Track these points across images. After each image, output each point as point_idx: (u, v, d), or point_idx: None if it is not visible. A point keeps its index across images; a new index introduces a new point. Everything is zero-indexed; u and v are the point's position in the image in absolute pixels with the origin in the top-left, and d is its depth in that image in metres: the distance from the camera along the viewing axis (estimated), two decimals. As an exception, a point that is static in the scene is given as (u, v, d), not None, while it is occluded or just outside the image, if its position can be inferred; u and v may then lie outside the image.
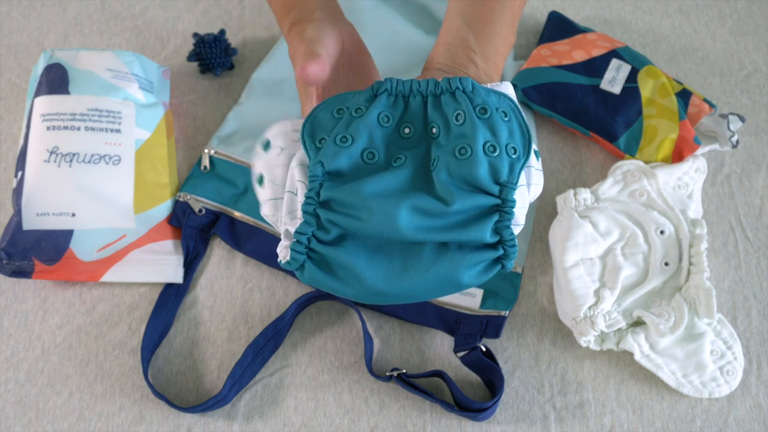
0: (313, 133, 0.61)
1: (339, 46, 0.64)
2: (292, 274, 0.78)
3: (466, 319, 0.75)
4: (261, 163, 0.64)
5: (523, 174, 0.60)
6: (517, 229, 0.60)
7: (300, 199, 0.61)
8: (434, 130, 0.61)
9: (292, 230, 0.61)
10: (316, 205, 0.59)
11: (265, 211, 0.63)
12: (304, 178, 0.61)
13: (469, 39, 0.65)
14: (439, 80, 0.61)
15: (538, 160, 0.63)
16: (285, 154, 0.63)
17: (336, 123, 0.61)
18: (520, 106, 0.62)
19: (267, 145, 0.64)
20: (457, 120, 0.60)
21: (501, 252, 0.60)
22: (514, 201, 0.59)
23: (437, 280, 0.59)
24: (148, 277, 0.78)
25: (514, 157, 0.59)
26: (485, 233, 0.58)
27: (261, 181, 0.64)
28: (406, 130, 0.62)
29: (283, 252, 0.61)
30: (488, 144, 0.59)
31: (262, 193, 0.64)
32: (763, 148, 0.87)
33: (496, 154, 0.58)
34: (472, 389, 0.74)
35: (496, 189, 0.59)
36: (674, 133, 0.81)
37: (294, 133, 0.64)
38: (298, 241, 0.59)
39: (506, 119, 0.60)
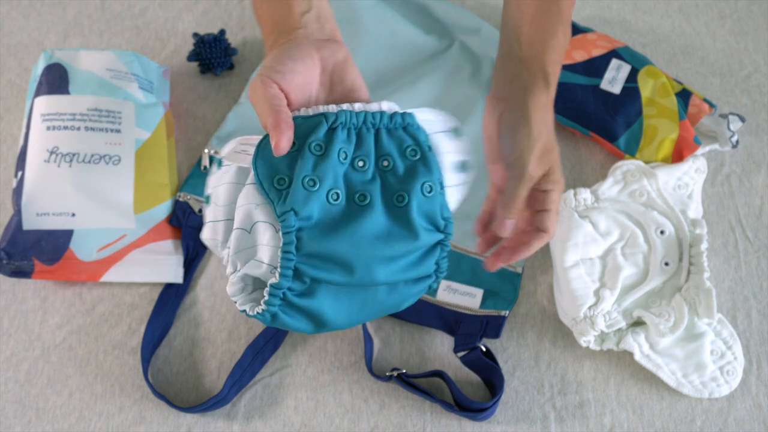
0: (270, 173, 0.58)
1: (311, 67, 0.60)
2: None
3: (466, 319, 0.76)
4: (210, 183, 0.63)
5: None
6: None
7: (264, 241, 0.58)
8: (386, 163, 0.60)
9: (253, 271, 0.59)
10: (296, 260, 0.57)
11: (203, 235, 0.62)
12: (268, 218, 0.58)
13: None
14: (390, 113, 0.60)
15: (459, 139, 0.63)
16: (230, 172, 0.62)
17: (290, 157, 0.58)
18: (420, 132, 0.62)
19: (219, 164, 0.63)
20: (412, 155, 0.60)
21: (434, 278, 0.62)
22: (451, 234, 0.61)
23: (385, 310, 0.62)
24: (148, 277, 0.78)
25: (441, 191, 0.61)
26: (431, 267, 0.61)
27: (207, 201, 0.63)
28: (360, 164, 0.60)
29: (242, 299, 0.60)
30: (438, 181, 0.60)
31: (205, 215, 0.63)
32: (763, 148, 0.87)
33: (440, 189, 0.60)
34: (472, 389, 0.74)
35: (442, 224, 0.60)
36: (674, 133, 0.81)
37: (240, 146, 0.62)
38: (273, 295, 0.58)
39: (414, 157, 0.61)
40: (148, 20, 0.95)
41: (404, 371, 0.73)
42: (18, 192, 0.76)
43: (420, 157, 0.60)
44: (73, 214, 0.76)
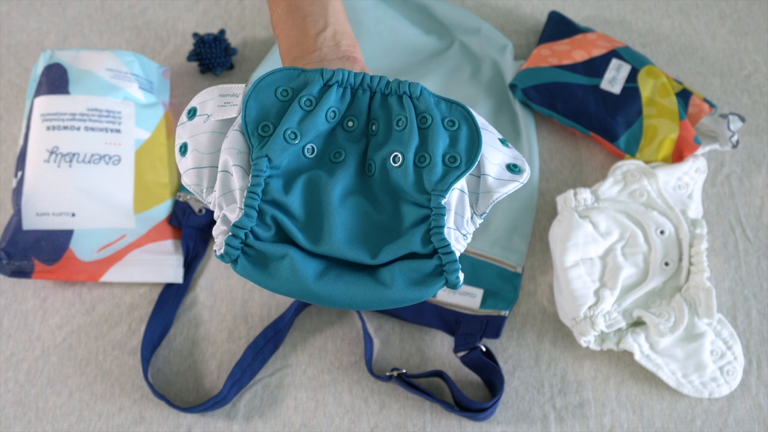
0: (257, 119, 0.59)
1: None
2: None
3: (466, 319, 0.76)
4: (185, 132, 0.61)
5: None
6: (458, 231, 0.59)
7: (237, 183, 0.58)
8: (374, 128, 0.61)
9: (230, 216, 0.58)
10: (260, 201, 0.57)
11: (187, 180, 0.60)
12: (241, 162, 0.59)
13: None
14: (391, 80, 0.61)
15: (507, 146, 0.61)
16: (210, 121, 0.61)
17: (280, 107, 0.59)
18: (474, 115, 0.61)
19: (192, 113, 0.61)
20: (398, 125, 0.60)
21: (437, 262, 0.57)
22: (440, 209, 0.57)
23: (367, 287, 0.58)
24: (148, 277, 0.78)
25: (452, 165, 0.58)
26: (416, 244, 0.57)
27: (184, 149, 0.61)
28: (350, 124, 0.61)
29: (219, 240, 0.58)
30: (419, 155, 0.58)
31: (184, 162, 0.61)
32: (763, 148, 0.87)
33: (425, 164, 0.58)
34: (472, 389, 0.74)
35: (423, 198, 0.58)
36: (674, 133, 0.81)
37: (221, 98, 0.61)
38: (234, 236, 0.57)
39: (453, 128, 0.59)
40: (148, 20, 0.95)
41: (404, 371, 0.73)
42: (18, 192, 0.76)
43: (405, 128, 0.59)
44: (73, 214, 0.76)
